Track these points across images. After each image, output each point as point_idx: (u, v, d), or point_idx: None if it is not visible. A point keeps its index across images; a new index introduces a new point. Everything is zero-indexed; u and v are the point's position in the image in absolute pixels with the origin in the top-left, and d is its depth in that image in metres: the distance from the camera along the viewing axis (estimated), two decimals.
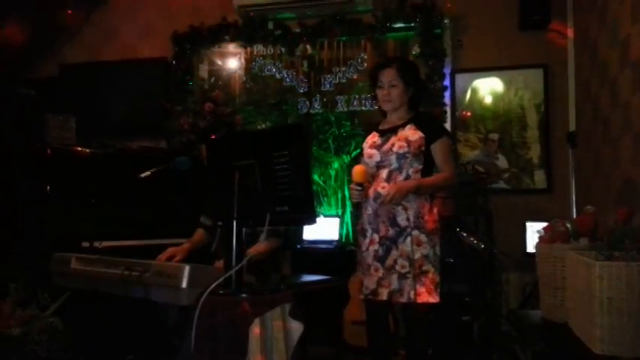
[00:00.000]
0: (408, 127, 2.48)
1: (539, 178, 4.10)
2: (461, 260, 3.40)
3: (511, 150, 4.17)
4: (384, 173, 2.46)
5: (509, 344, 3.09)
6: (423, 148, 2.44)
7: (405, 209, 2.39)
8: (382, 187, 2.43)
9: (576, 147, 3.76)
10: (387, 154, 2.46)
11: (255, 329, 1.80)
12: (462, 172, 3.84)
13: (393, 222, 2.42)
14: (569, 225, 2.01)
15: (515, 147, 4.16)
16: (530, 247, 3.48)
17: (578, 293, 1.64)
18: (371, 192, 2.47)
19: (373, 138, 2.56)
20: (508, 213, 3.82)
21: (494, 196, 3.80)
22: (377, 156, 2.49)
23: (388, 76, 2.49)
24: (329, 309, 2.92)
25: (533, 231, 3.33)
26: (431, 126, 2.50)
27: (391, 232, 2.42)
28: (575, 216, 3.74)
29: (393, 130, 2.51)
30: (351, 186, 2.41)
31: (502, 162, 4.17)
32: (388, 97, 2.50)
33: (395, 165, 2.44)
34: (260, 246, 2.24)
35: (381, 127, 2.59)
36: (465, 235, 3.37)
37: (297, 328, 1.92)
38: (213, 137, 2.59)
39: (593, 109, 3.48)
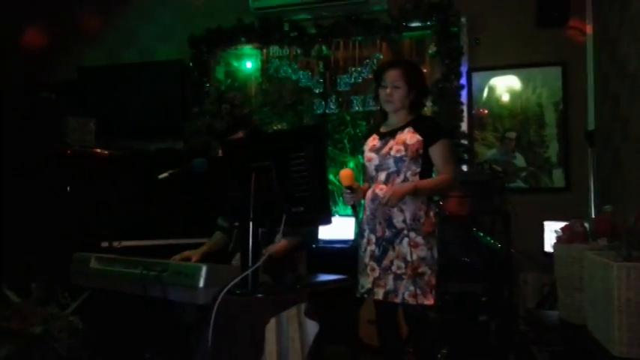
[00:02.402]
0: (407, 130, 2.48)
1: (558, 177, 4.05)
2: (478, 260, 3.38)
3: (529, 148, 4.12)
4: (382, 176, 2.49)
5: (526, 345, 3.06)
6: (420, 152, 2.44)
7: (402, 211, 2.41)
8: (380, 189, 2.46)
9: (594, 146, 3.71)
10: (385, 157, 2.48)
11: (271, 328, 1.81)
12: (478, 171, 3.81)
13: (389, 223, 2.43)
14: (587, 225, 1.99)
15: (533, 145, 4.11)
16: (549, 247, 3.44)
17: (596, 294, 1.62)
18: (369, 194, 2.50)
19: (373, 141, 2.57)
20: (526, 212, 3.77)
21: (512, 195, 3.76)
22: (376, 159, 2.51)
23: (392, 76, 2.50)
24: (345, 308, 2.93)
25: (552, 230, 3.30)
26: (429, 129, 2.48)
27: (388, 233, 2.44)
28: (594, 215, 3.70)
29: (392, 134, 2.51)
30: (343, 190, 2.45)
31: (520, 161, 4.13)
32: (390, 98, 2.50)
33: (393, 168, 2.46)
34: (280, 244, 2.26)
35: (382, 130, 2.59)
36: (481, 234, 3.34)
37: (312, 327, 1.94)
38: (230, 139, 2.60)
39: (612, 107, 3.43)
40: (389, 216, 2.43)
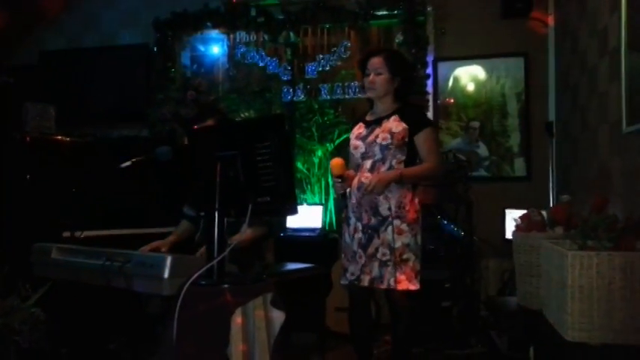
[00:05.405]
0: (393, 118, 2.50)
1: (519, 166, 4.16)
2: (441, 247, 3.46)
3: (492, 138, 4.21)
4: (367, 164, 2.50)
5: (487, 330, 3.16)
6: (406, 140, 2.47)
7: (387, 199, 2.44)
8: (365, 177, 2.47)
9: (554, 136, 3.82)
10: (370, 145, 2.49)
11: (237, 319, 1.81)
12: (443, 160, 3.88)
13: (375, 211, 2.46)
14: (545, 214, 2.05)
15: (496, 135, 4.21)
16: (510, 234, 3.53)
17: (551, 281, 1.69)
18: (355, 182, 2.51)
19: (359, 129, 2.59)
20: (488, 200, 3.87)
21: (475, 183, 3.85)
22: (362, 147, 2.53)
23: (375, 63, 2.52)
24: (312, 296, 2.96)
25: (513, 218, 3.39)
26: (415, 117, 2.52)
27: (373, 221, 2.46)
28: (553, 204, 3.81)
29: (378, 122, 2.53)
30: (333, 179, 2.47)
31: (483, 150, 4.22)
32: (372, 85, 2.52)
33: (378, 156, 2.48)
34: (246, 233, 2.26)
35: (367, 118, 2.61)
36: (445, 222, 3.41)
37: (278, 317, 1.94)
38: (195, 127, 2.57)
39: (572, 98, 3.53)
40: (375, 204, 2.45)
